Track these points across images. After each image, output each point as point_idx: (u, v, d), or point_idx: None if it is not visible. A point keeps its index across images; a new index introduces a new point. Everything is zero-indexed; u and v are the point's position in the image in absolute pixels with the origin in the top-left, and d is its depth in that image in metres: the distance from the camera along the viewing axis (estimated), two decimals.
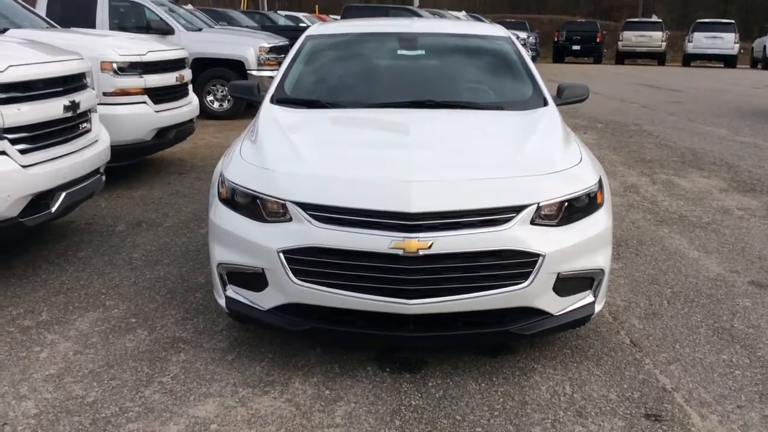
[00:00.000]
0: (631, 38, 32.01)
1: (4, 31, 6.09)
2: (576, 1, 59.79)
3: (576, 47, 33.07)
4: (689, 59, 31.43)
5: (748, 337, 3.67)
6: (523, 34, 24.95)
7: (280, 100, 4.28)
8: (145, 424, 2.85)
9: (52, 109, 4.35)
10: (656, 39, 31.71)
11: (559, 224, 3.12)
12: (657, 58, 32.26)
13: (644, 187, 7.02)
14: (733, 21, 32.28)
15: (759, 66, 30.32)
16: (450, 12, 23.58)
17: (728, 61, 30.71)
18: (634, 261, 4.81)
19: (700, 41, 30.62)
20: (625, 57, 32.44)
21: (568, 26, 34.71)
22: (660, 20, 33.76)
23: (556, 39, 33.85)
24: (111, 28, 10.76)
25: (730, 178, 7.40)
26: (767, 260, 4.85)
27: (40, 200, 4.23)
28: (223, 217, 3.31)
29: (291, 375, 3.23)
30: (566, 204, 3.15)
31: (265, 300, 3.17)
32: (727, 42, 30.24)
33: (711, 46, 30.46)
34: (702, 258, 4.89)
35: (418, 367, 3.29)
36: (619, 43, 32.54)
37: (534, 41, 29.37)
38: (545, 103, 4.28)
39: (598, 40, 32.99)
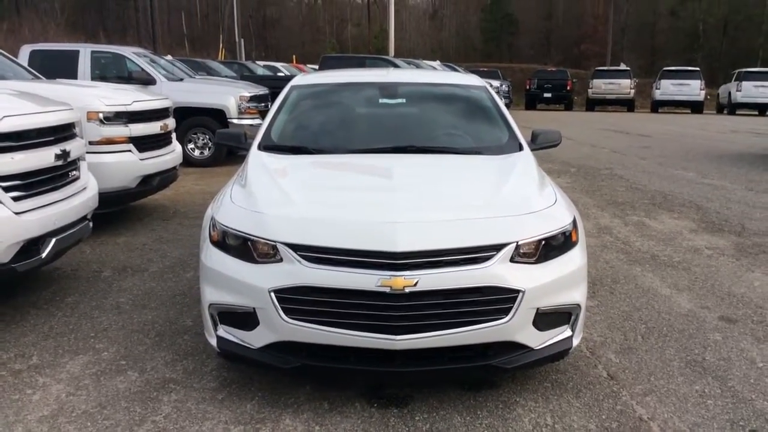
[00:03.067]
0: (600, 86, 32.92)
1: None
2: (546, 50, 61.39)
3: (547, 95, 33.90)
4: (657, 106, 32.34)
5: (719, 368, 3.83)
6: (496, 83, 25.60)
7: (267, 146, 4.45)
8: None
9: (44, 157, 4.47)
10: (625, 86, 32.64)
11: (537, 262, 3.28)
12: (626, 104, 33.14)
13: (617, 228, 7.25)
14: (698, 68, 33.37)
15: (725, 111, 31.30)
16: (425, 61, 24.13)
17: (695, 107, 31.62)
18: (609, 298, 4.98)
19: (667, 88, 31.58)
20: (595, 104, 33.30)
21: (539, 74, 35.64)
22: (628, 68, 34.79)
23: (528, 87, 34.67)
24: (92, 79, 10.94)
25: (699, 219, 7.67)
26: (736, 296, 5.05)
27: (31, 246, 4.32)
28: (214, 259, 3.43)
29: (281, 412, 3.32)
30: (543, 242, 3.31)
31: (256, 339, 3.27)
32: (694, 89, 31.19)
33: (678, 92, 31.41)
34: (674, 295, 5.08)
35: (405, 402, 3.40)
36: (589, 91, 33.42)
37: (507, 89, 30.08)
38: (520, 148, 4.49)
39: (568, 87, 33.86)
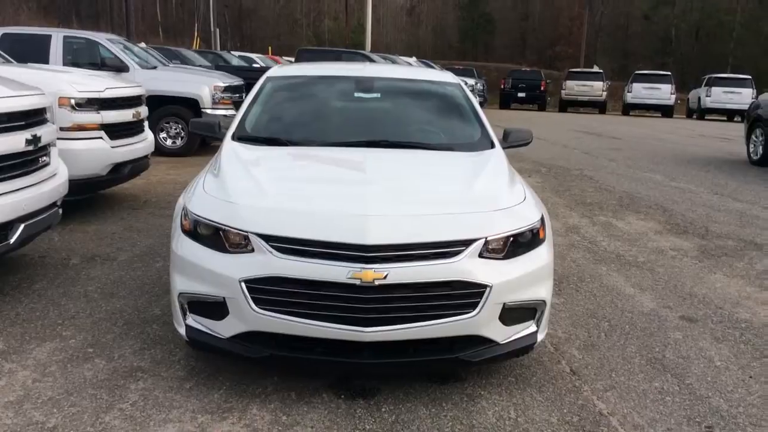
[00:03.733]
0: (573, 87, 33.28)
1: None
2: (522, 50, 61.81)
3: (521, 95, 34.21)
4: (629, 108, 32.79)
5: (678, 366, 3.94)
6: (471, 81, 25.72)
7: (241, 137, 4.46)
8: None
9: (15, 142, 4.42)
10: (597, 88, 33.03)
11: (504, 258, 3.35)
12: (598, 106, 33.55)
13: (584, 228, 7.37)
14: (669, 73, 33.91)
15: (694, 116, 31.83)
16: (401, 57, 24.17)
17: (665, 111, 32.12)
18: (575, 296, 5.08)
19: (638, 91, 32.03)
20: (567, 105, 33.66)
21: (514, 74, 35.93)
22: (601, 71, 35.21)
23: (502, 86, 34.94)
24: (65, 65, 10.79)
25: (664, 221, 7.82)
26: (697, 297, 5.18)
27: None
28: (185, 248, 3.44)
29: (249, 402, 3.34)
30: (511, 239, 3.38)
31: (225, 328, 3.29)
32: (664, 93, 31.68)
33: (649, 96, 31.88)
34: (637, 294, 5.19)
35: (371, 393, 3.44)
36: (562, 92, 33.78)
37: (482, 87, 30.29)
38: (492, 146, 4.56)
39: (542, 88, 34.21)
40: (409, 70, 6.54)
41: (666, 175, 11.59)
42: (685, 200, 9.18)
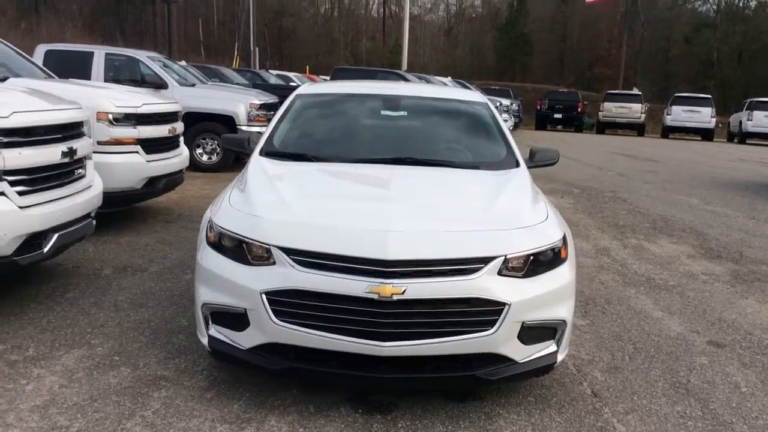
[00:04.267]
0: (611, 109, 32.98)
1: (4, 79, 6.36)
2: (560, 71, 61.53)
3: (558, 116, 33.99)
4: (668, 131, 32.34)
5: (702, 391, 3.88)
6: (506, 101, 25.64)
7: (269, 152, 4.54)
8: None
9: (51, 154, 4.57)
10: (636, 110, 32.70)
11: (524, 276, 3.35)
12: (637, 129, 33.19)
13: (615, 250, 7.29)
14: (710, 96, 33.38)
15: (735, 140, 31.29)
16: (436, 77, 24.27)
17: (705, 135, 31.62)
18: (601, 318, 5.03)
19: (678, 114, 31.59)
20: (605, 127, 33.35)
21: (551, 95, 35.73)
22: (639, 93, 34.87)
23: (538, 107, 34.78)
24: (106, 81, 11.08)
25: (698, 245, 7.70)
26: (727, 322, 5.09)
27: (33, 240, 4.41)
28: (210, 259, 3.51)
29: (267, 413, 3.38)
30: (532, 257, 3.38)
31: (245, 339, 3.35)
32: (704, 116, 31.21)
33: (688, 119, 31.42)
34: (665, 318, 5.12)
35: (389, 408, 3.46)
36: (600, 114, 33.49)
37: (517, 108, 30.14)
38: (517, 165, 4.57)
39: (579, 109, 33.95)
40: (437, 89, 6.60)
41: (702, 198, 11.42)
42: (721, 224, 9.04)
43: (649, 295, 5.70)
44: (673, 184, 13.30)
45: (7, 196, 4.15)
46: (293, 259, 3.21)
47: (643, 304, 5.43)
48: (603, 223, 8.80)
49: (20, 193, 4.25)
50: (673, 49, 59.96)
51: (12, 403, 3.36)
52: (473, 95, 5.56)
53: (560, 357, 3.54)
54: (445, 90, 6.46)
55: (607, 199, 10.89)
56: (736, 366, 4.27)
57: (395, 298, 3.10)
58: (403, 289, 3.10)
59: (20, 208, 4.22)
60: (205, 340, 3.54)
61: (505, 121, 22.82)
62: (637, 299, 5.56)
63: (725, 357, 4.41)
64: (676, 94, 33.45)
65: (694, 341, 4.66)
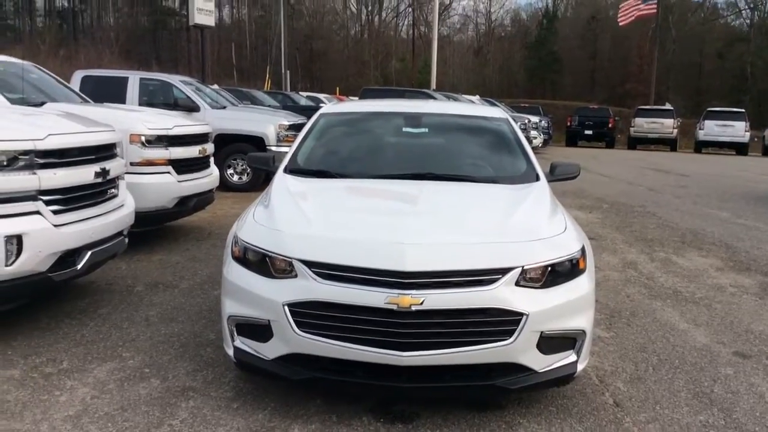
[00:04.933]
0: (642, 125, 32.68)
1: (42, 104, 6.61)
2: (590, 88, 61.18)
3: (588, 132, 33.75)
4: (701, 146, 31.93)
5: (726, 401, 3.87)
6: (535, 118, 25.62)
7: (293, 170, 4.66)
8: None
9: (85, 174, 4.74)
10: (668, 126, 32.35)
11: (542, 287, 3.39)
12: (669, 144, 32.81)
13: (642, 264, 7.26)
14: (743, 110, 32.92)
15: None
16: (464, 96, 24.38)
17: (739, 149, 31.17)
18: (625, 330, 5.03)
19: (711, 129, 31.20)
20: (636, 142, 33.02)
21: (581, 112, 35.49)
22: (671, 108, 34.50)
23: (569, 124, 34.60)
24: (140, 105, 11.39)
25: (727, 258, 7.63)
26: (754, 333, 5.05)
27: (67, 257, 4.57)
28: (235, 273, 3.62)
29: (291, 422, 3.46)
30: (550, 268, 3.43)
31: (269, 350, 3.44)
32: (738, 130, 30.78)
33: (722, 133, 31.00)
34: (691, 330, 5.10)
35: (410, 418, 3.51)
36: (631, 129, 33.20)
37: (546, 125, 30.05)
38: (537, 179, 4.62)
39: (610, 125, 33.71)
40: (459, 106, 6.67)
41: (733, 212, 11.29)
42: (751, 237, 8.93)
43: (675, 307, 5.68)
44: (703, 198, 13.16)
45: (42, 215, 4.32)
46: (314, 272, 3.30)
47: (669, 317, 5.41)
48: (631, 238, 8.76)
49: (55, 212, 4.42)
50: (706, 64, 59.31)
51: (46, 413, 3.49)
52: (494, 111, 5.64)
53: (580, 367, 3.57)
54: (467, 107, 6.54)
55: (636, 214, 10.83)
56: (761, 376, 4.24)
57: (414, 308, 3.17)
58: (422, 299, 3.17)
59: (55, 226, 4.39)
60: (230, 351, 3.64)
61: (534, 138, 22.91)
62: (663, 312, 5.54)
63: (750, 367, 4.38)
64: (709, 109, 33.07)
65: (719, 352, 4.64)
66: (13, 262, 4.14)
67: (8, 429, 3.31)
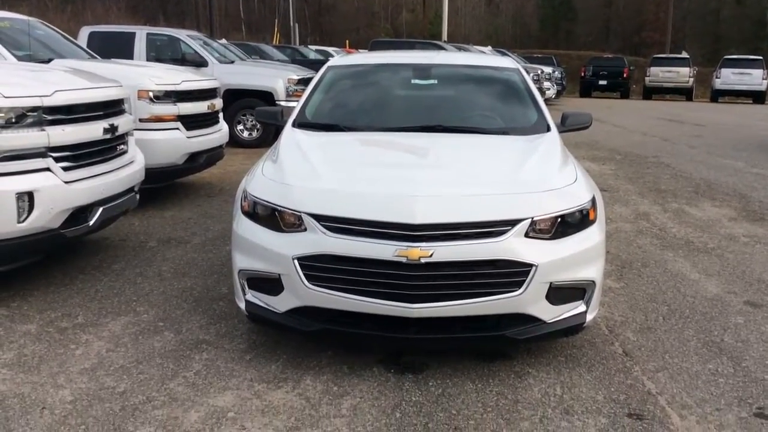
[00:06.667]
0: (658, 74, 32.14)
1: (50, 60, 6.58)
2: (605, 37, 60.17)
3: (603, 82, 33.23)
4: (717, 95, 31.41)
5: (735, 350, 3.88)
6: (548, 69, 25.24)
7: (301, 124, 4.63)
8: (169, 411, 3.15)
9: (93, 131, 4.74)
10: (683, 75, 31.79)
11: (552, 238, 3.38)
12: (684, 93, 32.27)
13: (655, 215, 7.23)
14: (761, 57, 32.22)
15: None
16: (475, 47, 24.03)
17: (757, 97, 30.63)
18: (636, 281, 5.03)
19: (727, 77, 30.64)
20: (652, 92, 32.53)
21: (595, 62, 34.90)
22: (687, 56, 33.86)
23: (582, 74, 34.09)
24: (148, 60, 11.31)
25: (740, 208, 7.58)
26: (765, 283, 5.03)
27: (79, 214, 4.60)
28: (245, 228, 3.63)
29: (303, 373, 3.51)
30: (559, 219, 3.41)
31: (280, 303, 3.47)
32: (755, 78, 30.21)
33: (739, 82, 30.45)
34: (702, 280, 5.09)
35: (420, 369, 3.56)
36: (646, 79, 32.68)
37: (560, 75, 29.58)
38: (548, 129, 4.57)
39: (625, 75, 33.16)
40: (468, 56, 6.57)
41: (748, 161, 11.16)
42: (765, 187, 8.85)
43: (687, 258, 5.66)
44: (718, 148, 13.01)
45: (52, 172, 4.33)
46: (323, 225, 3.31)
47: (681, 267, 5.40)
48: (644, 189, 8.70)
49: (65, 169, 4.43)
50: (724, 11, 58.07)
51: (63, 366, 3.56)
52: (504, 61, 5.55)
53: (590, 317, 3.58)
54: (477, 57, 6.43)
55: (650, 165, 10.74)
56: None
57: (423, 261, 3.17)
58: (431, 252, 3.18)
59: (65, 182, 4.40)
60: (242, 305, 3.68)
61: (547, 89, 22.61)
62: (675, 262, 5.53)
63: (761, 316, 4.38)
64: (726, 57, 32.41)
65: (730, 302, 4.64)
66: (26, 218, 4.17)
67: (26, 382, 3.38)
